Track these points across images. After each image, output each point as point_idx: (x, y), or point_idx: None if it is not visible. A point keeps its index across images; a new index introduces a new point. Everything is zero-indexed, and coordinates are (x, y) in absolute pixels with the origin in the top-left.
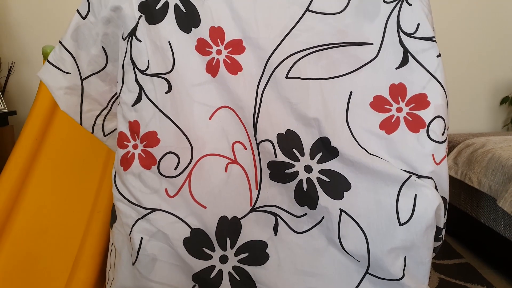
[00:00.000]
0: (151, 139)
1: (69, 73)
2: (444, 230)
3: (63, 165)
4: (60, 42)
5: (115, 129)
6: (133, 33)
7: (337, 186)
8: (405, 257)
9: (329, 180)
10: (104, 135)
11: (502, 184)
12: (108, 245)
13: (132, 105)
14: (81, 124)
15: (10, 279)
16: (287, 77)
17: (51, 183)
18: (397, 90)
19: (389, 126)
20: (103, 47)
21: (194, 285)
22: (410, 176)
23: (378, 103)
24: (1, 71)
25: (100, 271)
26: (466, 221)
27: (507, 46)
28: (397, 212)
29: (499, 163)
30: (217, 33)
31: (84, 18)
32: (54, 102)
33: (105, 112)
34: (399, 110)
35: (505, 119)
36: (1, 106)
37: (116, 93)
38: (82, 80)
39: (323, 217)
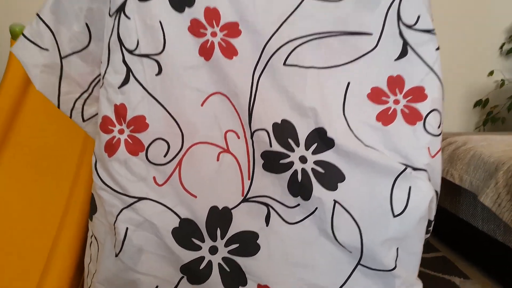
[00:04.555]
0: (139, 124)
1: (47, 50)
2: (432, 223)
3: (35, 152)
4: (37, 14)
5: (96, 114)
6: (121, 9)
7: (332, 177)
8: (397, 248)
9: (323, 171)
10: (84, 120)
11: (483, 180)
12: (86, 237)
13: (119, 87)
14: (58, 106)
15: None
16: (284, 64)
17: (21, 171)
18: (395, 82)
19: (386, 118)
20: (86, 23)
21: (182, 277)
22: (405, 169)
23: (376, 95)
24: None
25: (78, 264)
26: (444, 217)
27: (480, 52)
28: (391, 204)
29: (480, 160)
30: (212, 14)
31: None
32: (25, 82)
33: (85, 95)
34: (396, 102)
35: (477, 121)
36: None
37: (98, 76)
38: (61, 58)
39: (316, 208)
